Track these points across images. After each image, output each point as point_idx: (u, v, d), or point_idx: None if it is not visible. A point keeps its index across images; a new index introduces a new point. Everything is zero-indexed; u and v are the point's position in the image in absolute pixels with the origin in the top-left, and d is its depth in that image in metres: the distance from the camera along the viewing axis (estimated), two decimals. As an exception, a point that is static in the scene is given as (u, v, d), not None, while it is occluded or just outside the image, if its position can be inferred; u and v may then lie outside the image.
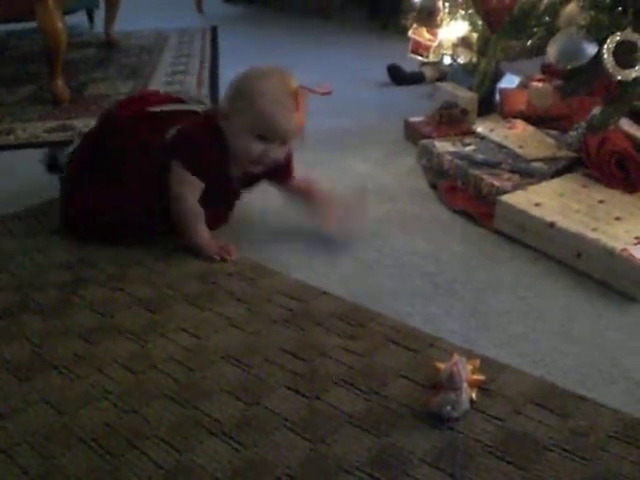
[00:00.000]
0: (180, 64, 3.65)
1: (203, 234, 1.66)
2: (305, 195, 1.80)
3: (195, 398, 1.17)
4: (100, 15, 4.31)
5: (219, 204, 1.74)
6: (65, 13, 3.09)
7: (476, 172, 1.91)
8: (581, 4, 1.82)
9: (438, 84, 2.48)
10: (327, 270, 1.60)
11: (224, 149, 1.63)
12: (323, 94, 1.61)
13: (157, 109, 1.78)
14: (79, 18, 4.67)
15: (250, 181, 1.74)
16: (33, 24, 2.97)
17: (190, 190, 1.63)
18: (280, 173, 1.75)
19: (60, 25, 2.81)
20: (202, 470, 1.03)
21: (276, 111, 1.56)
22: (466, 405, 1.12)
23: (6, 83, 3.36)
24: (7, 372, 1.26)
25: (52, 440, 1.09)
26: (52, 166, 1.97)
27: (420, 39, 2.60)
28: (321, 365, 1.25)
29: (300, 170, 1.81)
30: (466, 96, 2.31)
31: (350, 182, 2.07)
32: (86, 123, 2.65)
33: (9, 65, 3.79)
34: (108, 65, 3.68)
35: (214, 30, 4.48)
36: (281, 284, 1.53)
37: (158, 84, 3.24)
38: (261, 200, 1.86)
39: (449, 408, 1.10)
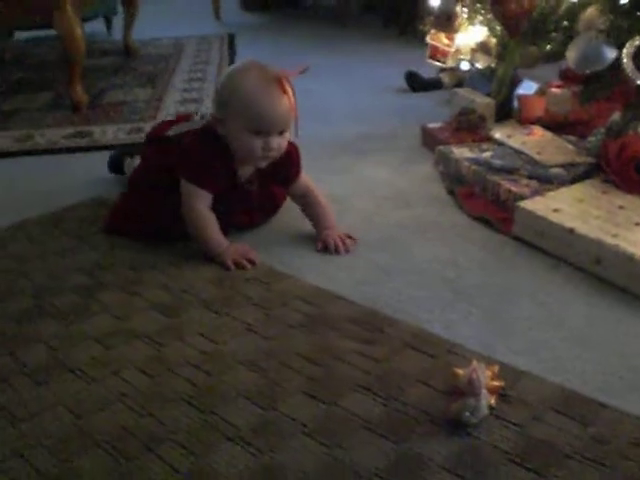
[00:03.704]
0: (198, 71, 3.66)
1: (218, 240, 1.66)
2: (304, 206, 1.82)
3: (212, 402, 1.17)
4: (118, 22, 4.34)
5: (236, 207, 1.74)
6: (84, 20, 3.12)
7: (494, 178, 1.90)
8: (600, 8, 1.81)
9: (456, 90, 2.47)
10: (344, 275, 1.59)
11: (227, 155, 1.64)
12: (300, 73, 1.60)
13: (171, 132, 1.82)
14: (97, 25, 4.71)
15: (263, 179, 1.74)
16: (52, 31, 2.99)
17: (199, 201, 1.64)
18: (288, 171, 1.76)
19: (79, 32, 2.83)
20: (218, 475, 1.02)
21: (262, 101, 1.57)
22: (485, 411, 1.11)
23: (25, 90, 3.39)
24: (24, 375, 1.26)
25: (68, 443, 1.09)
26: (115, 167, 2.14)
27: (438, 44, 2.60)
28: (338, 370, 1.25)
29: (308, 176, 1.82)
30: (484, 102, 2.30)
31: (368, 188, 2.07)
32: (104, 130, 2.67)
33: (28, 72, 3.82)
34: (126, 72, 3.70)
35: (232, 37, 4.49)
36: (298, 289, 1.53)
37: (175, 91, 3.25)
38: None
39: (468, 414, 1.09)
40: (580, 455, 1.04)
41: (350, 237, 1.74)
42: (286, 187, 1.80)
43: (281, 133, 1.62)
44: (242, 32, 4.66)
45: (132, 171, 1.94)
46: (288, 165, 1.73)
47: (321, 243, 1.73)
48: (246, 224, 1.81)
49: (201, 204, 1.64)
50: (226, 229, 1.70)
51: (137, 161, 2.00)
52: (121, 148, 2.20)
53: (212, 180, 1.64)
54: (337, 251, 1.70)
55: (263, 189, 1.76)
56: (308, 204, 1.80)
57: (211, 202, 1.66)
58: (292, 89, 1.59)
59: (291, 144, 1.70)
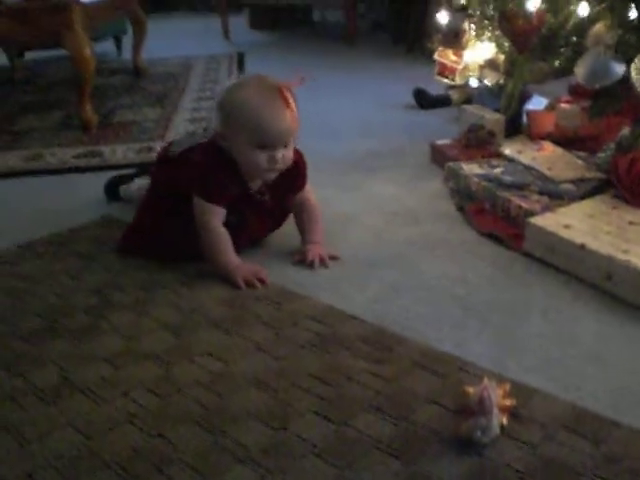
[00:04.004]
0: (207, 90, 3.68)
1: (230, 259, 1.66)
2: (297, 215, 1.82)
3: (222, 423, 1.16)
4: (128, 42, 4.36)
5: (250, 217, 1.74)
6: (93, 40, 3.14)
7: (504, 194, 1.89)
8: (608, 24, 1.81)
9: (464, 106, 2.47)
10: (354, 293, 1.59)
11: (235, 168, 1.65)
12: (300, 83, 1.59)
13: (174, 149, 1.83)
14: (107, 45, 4.75)
15: (273, 189, 1.74)
16: (62, 51, 3.01)
17: (212, 217, 1.65)
18: (295, 180, 1.76)
19: (88, 52, 2.85)
20: (228, 496, 1.02)
21: (265, 116, 1.56)
22: (496, 430, 1.10)
23: (35, 109, 3.41)
24: (34, 395, 1.26)
25: (78, 464, 1.09)
26: (111, 193, 2.14)
27: (446, 61, 2.60)
28: (348, 390, 1.24)
29: (311, 189, 1.83)
30: (493, 118, 2.30)
31: (377, 205, 2.07)
32: (114, 149, 2.68)
33: (38, 91, 3.85)
34: (136, 92, 3.72)
35: (241, 56, 4.51)
36: (308, 308, 1.52)
37: (184, 110, 3.27)
38: (286, 224, 1.85)
39: (479, 434, 1.08)
40: (592, 474, 1.03)
41: (333, 257, 1.74)
42: (292, 195, 1.80)
43: (285, 145, 1.62)
44: (251, 51, 4.69)
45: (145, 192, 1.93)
46: (295, 174, 1.74)
47: (299, 256, 1.73)
48: (260, 234, 1.82)
49: (215, 221, 1.65)
50: (240, 241, 1.70)
51: (134, 187, 2.01)
52: (116, 176, 2.20)
53: (223, 195, 1.64)
54: (311, 266, 1.70)
55: (275, 198, 1.76)
56: (302, 215, 1.80)
57: (225, 215, 1.66)
58: (294, 99, 1.58)
59: (297, 153, 1.71)
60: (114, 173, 2.20)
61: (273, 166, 1.62)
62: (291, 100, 1.58)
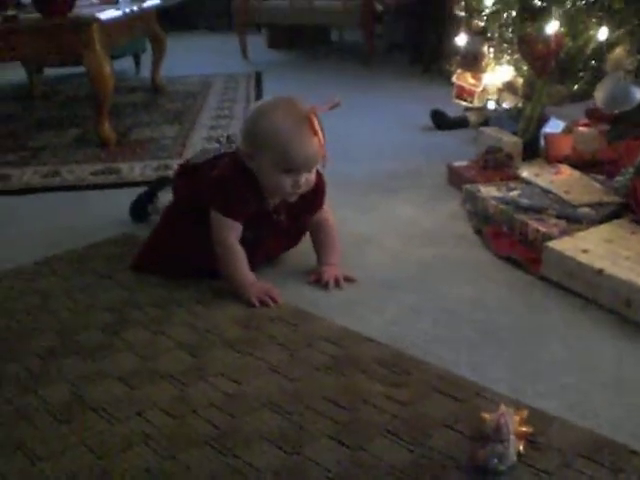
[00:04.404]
0: (225, 109, 3.69)
1: (245, 276, 1.65)
2: (314, 235, 1.81)
3: (235, 445, 1.15)
4: (147, 60, 4.40)
5: (265, 234, 1.74)
6: (113, 58, 3.17)
7: (522, 217, 1.88)
8: (628, 48, 1.80)
9: (482, 129, 2.46)
10: (370, 315, 1.58)
11: (256, 186, 1.64)
12: (331, 108, 1.59)
13: (196, 160, 1.83)
14: (126, 63, 4.78)
15: (291, 208, 1.73)
16: (81, 68, 3.03)
17: (230, 233, 1.64)
18: (314, 201, 1.75)
19: (107, 70, 2.87)
20: (241, 520, 1.01)
21: (293, 142, 1.56)
22: (513, 458, 1.08)
23: (54, 126, 3.44)
24: (47, 414, 1.25)
25: (90, 485, 1.08)
26: (138, 214, 2.14)
27: (464, 84, 2.60)
28: (364, 413, 1.23)
29: (329, 209, 1.82)
30: (510, 141, 2.29)
31: (394, 226, 2.06)
32: (131, 166, 2.69)
33: (56, 108, 3.88)
34: (154, 109, 3.75)
35: (259, 75, 4.54)
36: (323, 329, 1.51)
37: (202, 128, 3.28)
38: (303, 243, 1.85)
39: (496, 461, 1.06)
40: (612, 505, 1.01)
41: (349, 279, 1.73)
42: (309, 215, 1.79)
43: (309, 170, 1.62)
44: (269, 70, 4.71)
45: (164, 208, 1.93)
46: (314, 195, 1.73)
47: (315, 276, 1.73)
48: (276, 252, 1.82)
49: (231, 237, 1.65)
50: (255, 258, 1.70)
51: (161, 203, 2.01)
52: (140, 196, 2.18)
53: (241, 210, 1.65)
54: (327, 286, 1.69)
55: (291, 217, 1.76)
56: (319, 235, 1.80)
57: (241, 231, 1.66)
58: (321, 125, 1.58)
59: (317, 174, 1.70)
60: (135, 195, 2.19)
61: (296, 190, 1.63)
62: (318, 127, 1.57)
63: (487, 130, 2.42)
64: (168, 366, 1.39)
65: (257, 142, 1.61)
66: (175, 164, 2.64)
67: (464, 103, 2.69)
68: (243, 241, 1.67)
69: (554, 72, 2.05)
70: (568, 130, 2.34)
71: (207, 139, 3.06)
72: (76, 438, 1.18)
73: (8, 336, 1.52)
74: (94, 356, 1.43)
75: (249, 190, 1.64)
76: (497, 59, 2.35)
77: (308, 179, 1.63)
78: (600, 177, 2.11)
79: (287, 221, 1.75)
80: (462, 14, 2.69)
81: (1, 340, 1.51)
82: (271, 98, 1.68)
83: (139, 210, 2.14)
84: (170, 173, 2.32)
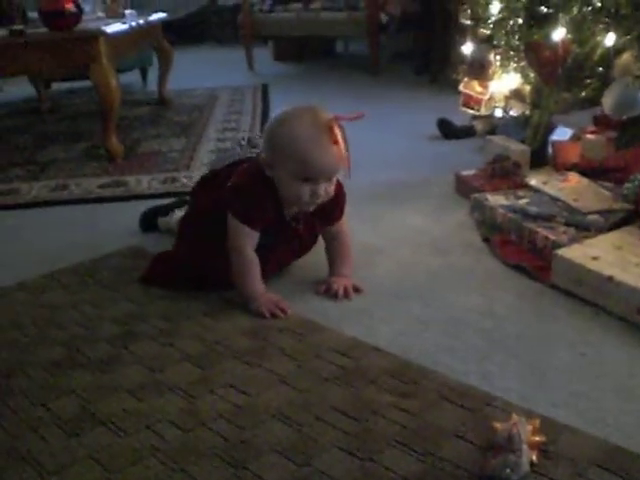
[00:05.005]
0: (231, 121, 3.70)
1: (257, 286, 1.65)
2: (329, 246, 1.81)
3: (244, 458, 1.14)
4: (154, 74, 4.41)
5: (281, 242, 1.73)
6: (119, 72, 3.18)
7: (530, 225, 1.87)
8: (635, 54, 1.80)
9: (489, 137, 2.46)
10: (379, 325, 1.57)
11: (275, 194, 1.64)
12: (354, 119, 1.58)
13: (217, 167, 1.83)
14: (133, 77, 4.80)
15: (308, 218, 1.73)
16: (88, 82, 3.04)
17: (247, 241, 1.64)
18: (333, 212, 1.75)
19: (114, 83, 2.88)
20: (251, 533, 1.00)
21: (314, 151, 1.55)
22: (526, 468, 1.07)
23: (61, 140, 3.45)
24: (55, 427, 1.25)
25: (99, 499, 1.07)
26: (147, 224, 2.16)
27: (471, 92, 2.60)
28: (374, 424, 1.22)
29: (346, 221, 1.81)
30: (518, 149, 2.29)
31: (402, 236, 2.06)
32: (139, 179, 2.69)
33: (64, 122, 3.90)
34: (161, 122, 3.76)
35: (265, 87, 4.55)
36: (332, 340, 1.50)
37: (209, 141, 3.28)
38: (311, 254, 1.84)
39: (508, 471, 1.05)
40: (626, 515, 1.00)
41: (357, 289, 1.73)
42: (327, 226, 1.79)
43: (329, 180, 1.62)
44: (275, 82, 4.72)
45: (180, 219, 1.93)
46: (333, 206, 1.73)
47: (325, 286, 1.72)
48: (288, 260, 1.82)
49: (248, 245, 1.64)
50: (268, 266, 1.70)
51: (173, 219, 2.02)
52: (154, 207, 2.20)
53: (259, 218, 1.64)
54: (336, 296, 1.69)
55: (308, 226, 1.75)
56: (334, 245, 1.79)
57: (258, 239, 1.65)
58: (343, 134, 1.57)
59: (338, 184, 1.69)
60: (149, 204, 2.20)
61: (315, 200, 1.62)
62: (339, 136, 1.56)
63: (494, 138, 2.41)
64: (177, 378, 1.38)
65: (276, 150, 1.60)
66: (182, 176, 2.65)
67: (471, 111, 2.68)
68: (258, 247, 1.66)
69: (561, 79, 2.04)
70: (576, 137, 2.33)
71: (214, 152, 3.06)
72: (84, 451, 1.18)
73: (17, 349, 1.52)
74: (103, 369, 1.43)
75: (268, 198, 1.64)
76: (504, 67, 2.34)
77: (327, 189, 1.62)
78: (608, 184, 2.10)
79: (304, 230, 1.75)
80: (468, 22, 2.68)
81: (10, 353, 1.51)
82: (295, 107, 1.66)
83: (149, 221, 2.15)
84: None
